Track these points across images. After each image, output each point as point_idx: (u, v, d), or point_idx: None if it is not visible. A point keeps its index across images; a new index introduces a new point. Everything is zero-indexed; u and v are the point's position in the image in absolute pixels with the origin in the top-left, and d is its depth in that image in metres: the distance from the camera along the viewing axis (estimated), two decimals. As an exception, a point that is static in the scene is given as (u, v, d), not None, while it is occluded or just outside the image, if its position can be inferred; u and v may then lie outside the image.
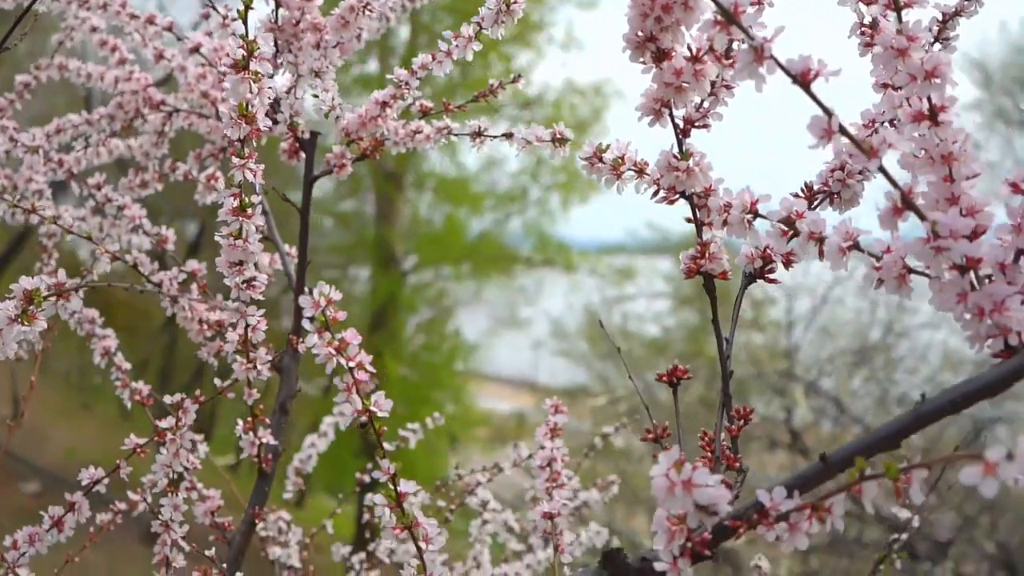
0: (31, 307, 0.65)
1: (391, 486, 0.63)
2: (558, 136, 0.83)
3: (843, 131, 0.50)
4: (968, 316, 0.51)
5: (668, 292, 9.44)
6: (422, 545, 0.63)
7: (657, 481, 0.50)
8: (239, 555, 0.96)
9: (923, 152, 0.54)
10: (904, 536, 1.06)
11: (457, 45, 0.87)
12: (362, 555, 1.36)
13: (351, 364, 0.61)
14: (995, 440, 5.66)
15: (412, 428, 1.32)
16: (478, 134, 0.93)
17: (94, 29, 1.20)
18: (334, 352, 0.61)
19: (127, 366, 1.08)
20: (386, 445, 0.65)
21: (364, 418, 0.62)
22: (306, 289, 0.60)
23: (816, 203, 0.68)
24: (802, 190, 0.68)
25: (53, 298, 0.66)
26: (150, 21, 1.08)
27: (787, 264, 0.66)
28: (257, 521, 0.98)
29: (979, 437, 6.40)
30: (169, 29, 1.08)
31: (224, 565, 0.92)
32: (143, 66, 1.21)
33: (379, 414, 0.62)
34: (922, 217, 0.51)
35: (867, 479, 0.47)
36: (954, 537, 5.83)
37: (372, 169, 12.39)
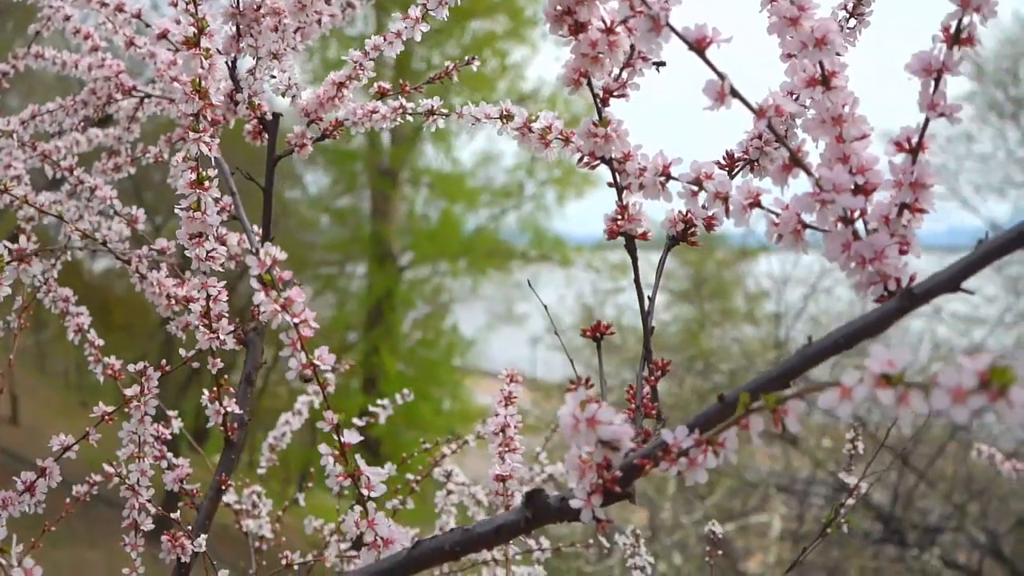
0: (-5, 273, 0.69)
1: (335, 436, 0.68)
2: (505, 113, 0.86)
3: (734, 93, 0.54)
4: (852, 264, 0.55)
5: (661, 284, 9.47)
6: (364, 492, 0.67)
7: (564, 419, 0.54)
8: (207, 520, 1.00)
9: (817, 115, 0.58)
10: (850, 500, 1.10)
11: (406, 26, 0.91)
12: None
13: (296, 320, 0.65)
14: (982, 429, 5.71)
15: (382, 404, 1.36)
16: (431, 112, 0.97)
17: (67, 18, 1.23)
18: (279, 309, 0.65)
19: (100, 342, 1.12)
20: (356, 422, 0.69)
21: (309, 371, 0.66)
22: (253, 249, 0.64)
23: (737, 169, 0.72)
24: (724, 157, 0.72)
25: (15, 263, 0.70)
26: (119, 9, 1.12)
27: (708, 227, 0.70)
28: (224, 488, 1.02)
29: (966, 427, 6.46)
30: (138, 16, 1.12)
31: (190, 527, 0.96)
32: (115, 54, 1.24)
33: (322, 367, 0.66)
34: (809, 173, 0.55)
35: (752, 412, 0.51)
36: (942, 524, 5.89)
37: (368, 166, 12.43)
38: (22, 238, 0.75)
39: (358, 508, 0.68)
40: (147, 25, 1.12)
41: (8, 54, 1.37)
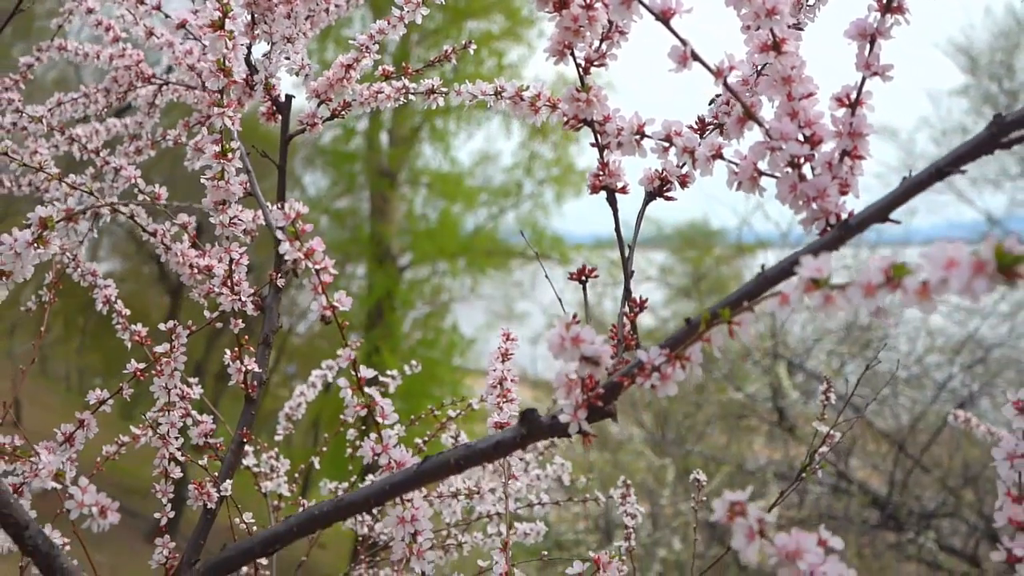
0: (45, 232, 0.78)
1: (352, 371, 0.76)
2: (499, 89, 0.95)
3: (695, 56, 0.62)
4: (800, 203, 0.63)
5: (659, 277, 9.58)
6: (379, 420, 0.76)
7: (551, 338, 0.62)
8: (231, 470, 1.09)
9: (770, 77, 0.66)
10: (826, 450, 1.18)
11: (408, 10, 0.99)
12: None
13: (317, 267, 0.74)
14: (978, 414, 5.79)
15: (391, 374, 1.44)
16: (432, 91, 1.06)
17: (90, 11, 1.32)
18: (303, 257, 0.73)
19: (127, 312, 1.20)
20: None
21: (328, 312, 0.75)
22: (278, 204, 0.72)
23: (707, 132, 0.80)
24: (696, 121, 0.81)
25: (64, 222, 0.78)
26: (140, 1, 1.20)
27: (683, 184, 0.78)
28: (245, 440, 1.10)
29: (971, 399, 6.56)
30: (158, 8, 1.21)
31: (216, 475, 1.04)
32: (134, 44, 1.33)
33: (340, 308, 0.75)
34: (761, 125, 0.63)
35: (712, 326, 0.59)
36: (938, 510, 5.97)
37: (366, 167, 12.50)
38: (70, 199, 0.83)
39: (373, 435, 0.77)
40: (166, 16, 1.21)
41: (33, 47, 1.46)
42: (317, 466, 1.53)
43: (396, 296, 12.36)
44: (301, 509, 1.47)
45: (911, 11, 0.64)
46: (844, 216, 0.62)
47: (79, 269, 1.24)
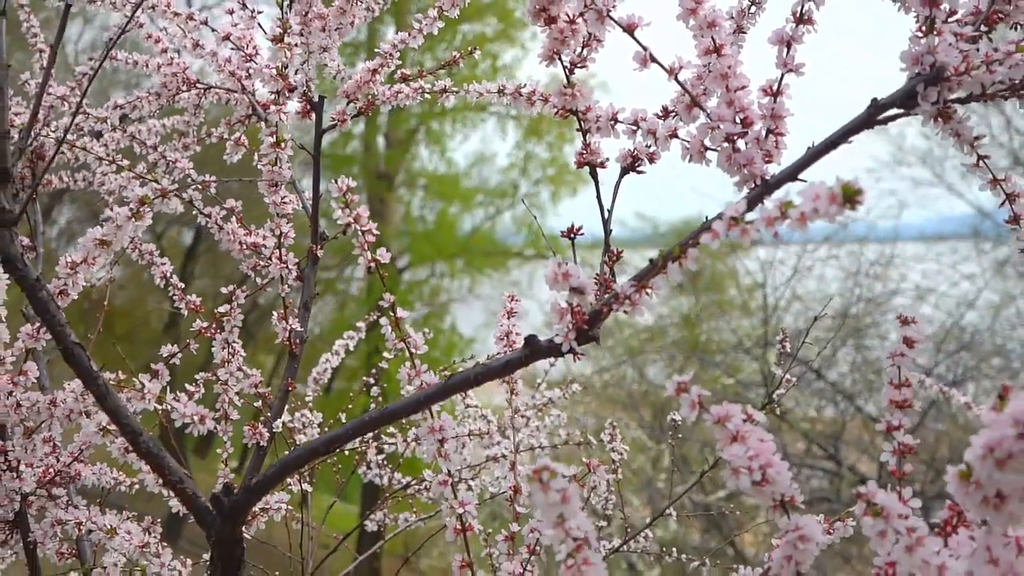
0: (143, 207, 0.97)
1: (391, 312, 0.96)
2: (501, 87, 1.15)
3: (653, 59, 0.82)
4: (734, 169, 0.83)
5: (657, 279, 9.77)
6: (413, 351, 0.96)
7: (547, 274, 0.82)
8: (278, 414, 1.28)
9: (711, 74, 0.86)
10: (781, 390, 1.38)
11: (425, 24, 1.19)
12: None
13: (363, 229, 0.94)
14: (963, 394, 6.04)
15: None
16: (444, 91, 1.26)
17: (141, 25, 1.51)
18: (353, 221, 0.93)
19: (182, 285, 1.40)
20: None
21: (372, 264, 0.95)
22: (323, 184, 0.92)
23: (671, 118, 1.00)
24: (661, 110, 1.00)
25: (159, 199, 0.98)
26: (190, 17, 1.40)
27: (651, 160, 0.98)
28: (290, 389, 1.30)
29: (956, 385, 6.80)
30: (205, 23, 1.40)
31: (268, 415, 1.24)
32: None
33: (382, 260, 0.94)
34: (704, 110, 0.83)
35: (668, 260, 0.79)
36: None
37: (364, 170, 12.67)
38: (164, 180, 1.03)
39: (407, 363, 0.97)
40: (213, 30, 1.40)
41: (85, 57, 1.66)
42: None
43: (395, 297, 12.46)
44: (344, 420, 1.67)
45: (816, 20, 0.84)
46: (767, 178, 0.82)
47: (137, 250, 1.44)
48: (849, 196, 0.60)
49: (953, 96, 0.78)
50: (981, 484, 0.59)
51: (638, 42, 0.82)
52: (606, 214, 0.97)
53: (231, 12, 1.45)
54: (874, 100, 0.77)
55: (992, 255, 8.30)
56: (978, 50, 0.77)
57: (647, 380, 8.90)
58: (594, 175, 0.96)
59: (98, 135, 1.55)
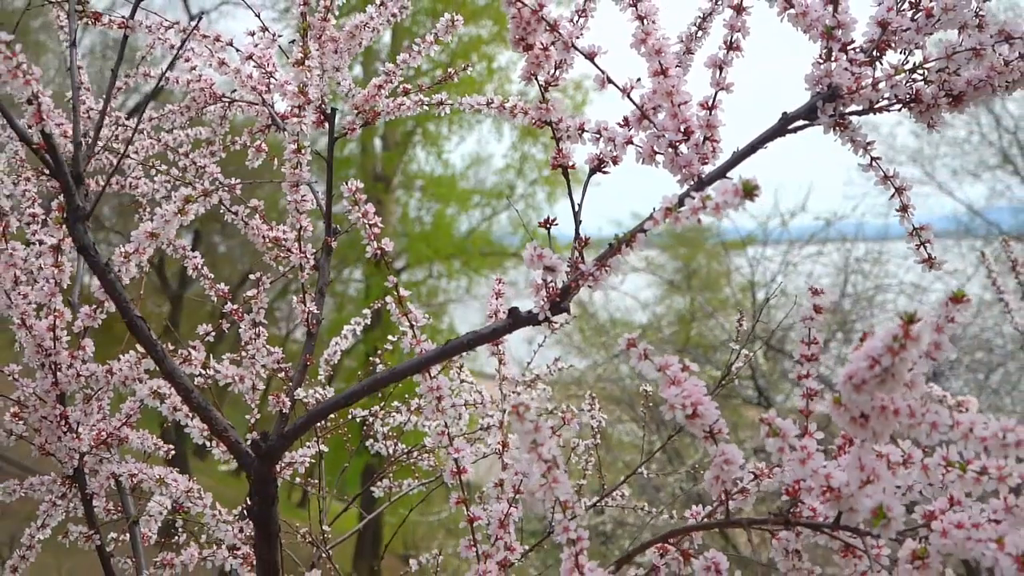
0: (187, 205, 1.16)
1: (395, 292, 1.15)
2: (489, 100, 1.34)
3: (610, 80, 1.02)
4: (677, 169, 1.02)
5: (646, 269, 10.00)
6: (412, 321, 1.15)
7: (526, 255, 1.01)
8: (298, 384, 1.47)
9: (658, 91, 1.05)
10: (738, 364, 1.57)
11: (422, 48, 1.39)
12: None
13: (370, 223, 1.13)
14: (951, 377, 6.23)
15: (393, 339, 1.83)
16: (442, 103, 1.45)
17: (172, 46, 1.71)
18: (362, 216, 1.12)
19: (212, 275, 1.59)
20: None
21: (378, 252, 1.14)
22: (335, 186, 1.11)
23: (630, 128, 1.19)
24: (622, 119, 1.20)
25: (202, 197, 1.17)
26: (217, 39, 1.59)
27: (614, 162, 1.17)
28: (308, 363, 1.49)
29: (936, 378, 7.01)
30: (231, 43, 1.59)
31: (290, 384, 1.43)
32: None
33: (387, 249, 1.14)
34: (652, 122, 1.02)
35: (620, 244, 0.98)
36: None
37: (361, 172, 12.84)
38: (197, 184, 1.22)
39: (409, 333, 1.16)
40: (237, 50, 1.59)
41: (121, 73, 1.85)
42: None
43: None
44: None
45: (743, 48, 1.04)
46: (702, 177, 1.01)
47: (171, 245, 1.63)
48: (748, 191, 0.79)
49: (848, 110, 0.97)
50: (846, 406, 0.79)
51: (598, 67, 1.02)
52: (576, 207, 1.17)
53: (252, 34, 1.64)
54: (784, 113, 0.96)
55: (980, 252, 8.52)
56: (874, 72, 0.97)
57: (640, 376, 9.09)
58: (566, 175, 1.16)
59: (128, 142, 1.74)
